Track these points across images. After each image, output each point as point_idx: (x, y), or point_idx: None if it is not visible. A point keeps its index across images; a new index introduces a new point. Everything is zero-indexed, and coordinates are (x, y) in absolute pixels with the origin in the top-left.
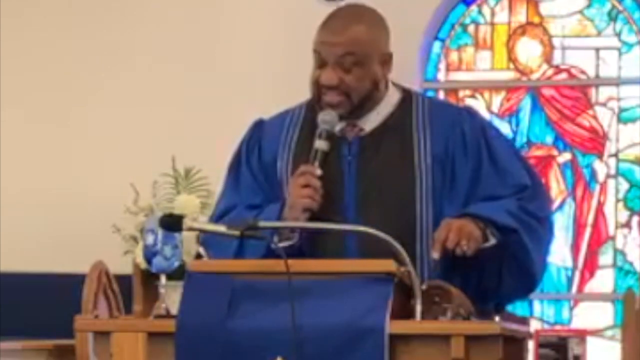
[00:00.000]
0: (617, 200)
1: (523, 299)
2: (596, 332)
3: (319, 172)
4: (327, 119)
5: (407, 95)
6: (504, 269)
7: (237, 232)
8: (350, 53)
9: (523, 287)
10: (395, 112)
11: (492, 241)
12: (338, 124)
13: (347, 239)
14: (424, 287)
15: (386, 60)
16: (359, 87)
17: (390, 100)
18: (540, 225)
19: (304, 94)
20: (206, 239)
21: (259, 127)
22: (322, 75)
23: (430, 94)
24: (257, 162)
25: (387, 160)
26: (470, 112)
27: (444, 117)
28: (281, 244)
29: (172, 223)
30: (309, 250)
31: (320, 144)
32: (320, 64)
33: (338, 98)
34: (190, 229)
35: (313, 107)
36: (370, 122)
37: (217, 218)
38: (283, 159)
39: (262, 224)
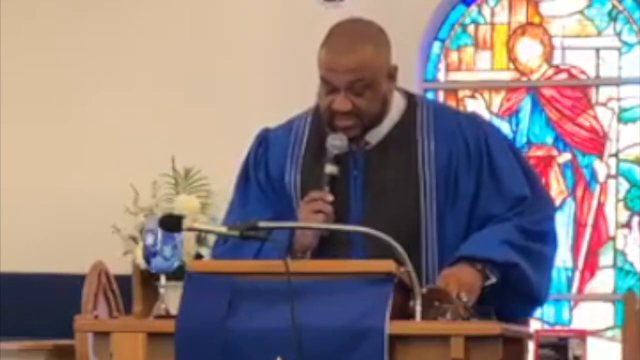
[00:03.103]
0: (618, 201)
1: (526, 315)
2: (596, 333)
3: (330, 197)
4: (336, 143)
5: (411, 103)
6: (505, 299)
7: (236, 233)
8: (361, 79)
9: (526, 309)
10: (400, 122)
11: (492, 280)
12: (347, 147)
13: (353, 255)
14: (424, 291)
15: (392, 73)
16: (371, 108)
17: (395, 110)
18: (541, 242)
19: (303, 96)
20: (217, 254)
21: (264, 139)
22: (336, 102)
23: (430, 94)
24: (264, 177)
25: (391, 174)
26: (473, 119)
27: (447, 125)
28: None
29: (171, 223)
30: None
31: (331, 169)
32: (331, 89)
33: (351, 122)
34: (190, 229)
35: (319, 116)
36: (376, 134)
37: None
38: (291, 174)
39: (262, 224)
